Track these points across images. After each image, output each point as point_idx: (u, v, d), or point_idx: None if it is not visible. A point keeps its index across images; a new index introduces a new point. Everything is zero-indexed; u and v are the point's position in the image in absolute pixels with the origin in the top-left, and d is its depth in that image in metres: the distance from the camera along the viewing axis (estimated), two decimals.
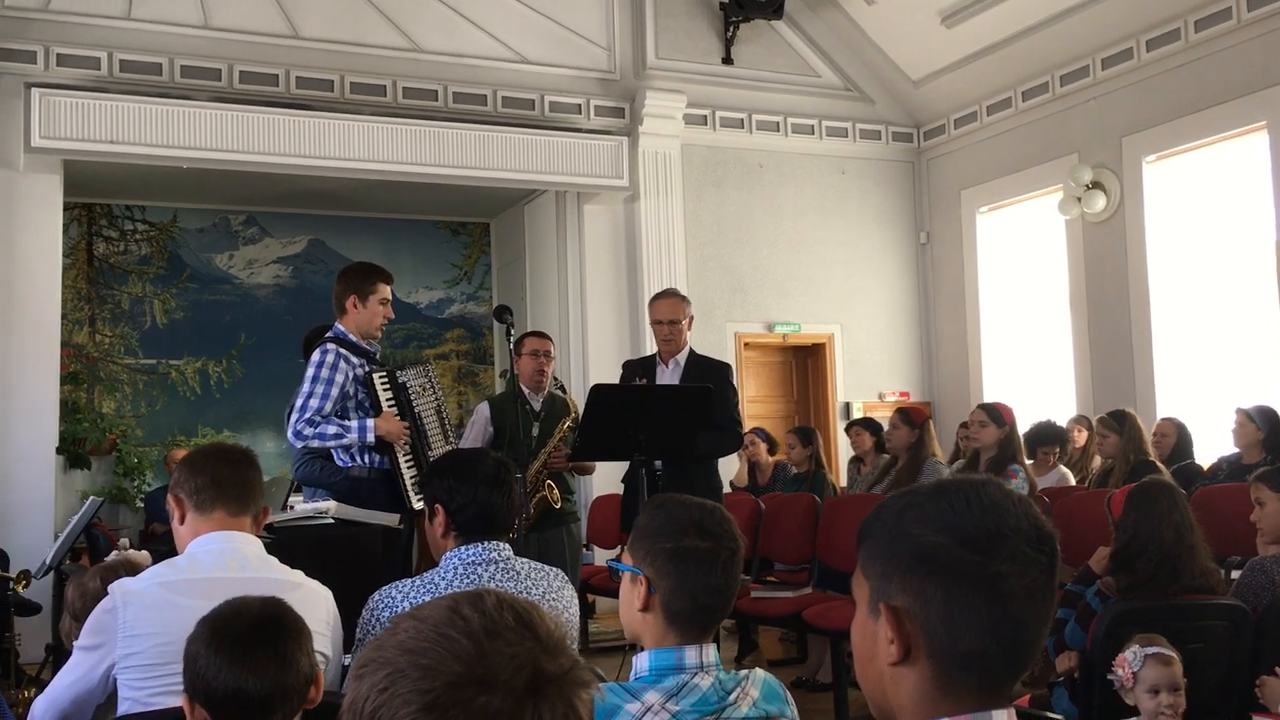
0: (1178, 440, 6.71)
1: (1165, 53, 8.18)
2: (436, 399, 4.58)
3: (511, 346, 5.29)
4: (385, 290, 4.47)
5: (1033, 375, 9.44)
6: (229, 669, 1.89)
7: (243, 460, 2.58)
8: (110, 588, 2.35)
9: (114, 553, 3.09)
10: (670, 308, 5.22)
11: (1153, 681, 2.97)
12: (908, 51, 9.89)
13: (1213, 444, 7.14)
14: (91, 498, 6.64)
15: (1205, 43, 7.92)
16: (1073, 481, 6.79)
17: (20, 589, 6.08)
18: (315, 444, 4.28)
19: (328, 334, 4.47)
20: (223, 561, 2.42)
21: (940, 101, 10.07)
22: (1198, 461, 6.71)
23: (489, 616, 0.98)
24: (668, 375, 5.20)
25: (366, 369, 4.39)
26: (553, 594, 2.72)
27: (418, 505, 4.27)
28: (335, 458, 4.38)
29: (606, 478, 7.34)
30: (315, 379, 4.28)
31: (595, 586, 7.30)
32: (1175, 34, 8.09)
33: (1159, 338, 8.30)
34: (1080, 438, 7.58)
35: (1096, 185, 8.62)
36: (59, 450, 8.07)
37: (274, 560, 2.53)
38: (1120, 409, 6.69)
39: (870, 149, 10.30)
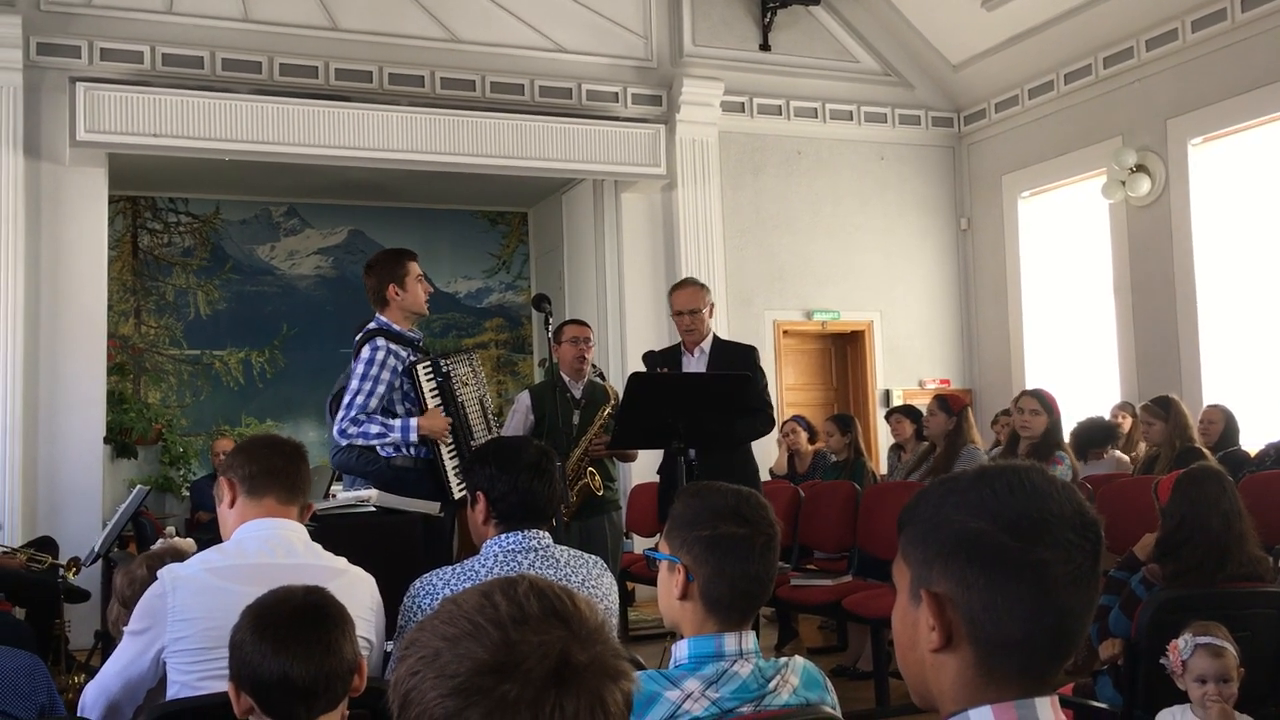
0: (1225, 427, 6.63)
1: (1211, 33, 8.05)
2: (479, 388, 4.58)
3: (550, 335, 5.31)
4: (416, 267, 4.49)
5: (1076, 362, 9.34)
6: (274, 655, 1.92)
7: (295, 453, 2.64)
8: (159, 573, 2.39)
9: (160, 541, 3.14)
10: (689, 297, 5.23)
11: (1200, 671, 2.94)
12: (947, 35, 9.80)
13: (1260, 430, 7.04)
14: (138, 486, 6.74)
15: (1252, 23, 7.77)
16: (1130, 465, 6.68)
17: (71, 576, 6.18)
18: (359, 442, 4.27)
19: (370, 326, 4.44)
20: (269, 548, 2.46)
21: (981, 85, 9.96)
22: (1244, 448, 6.62)
23: (518, 604, 0.99)
24: (694, 363, 5.20)
25: (412, 359, 4.40)
26: (592, 581, 2.73)
27: (459, 495, 4.29)
28: (379, 451, 4.38)
29: (647, 466, 7.35)
30: (364, 376, 4.27)
31: (635, 574, 7.31)
32: (1221, 14, 7.95)
33: (1205, 323, 8.17)
34: (1125, 424, 7.49)
35: (1141, 168, 8.50)
36: (106, 440, 8.20)
37: (319, 547, 2.56)
38: (1165, 395, 6.60)
39: (910, 134, 10.22)
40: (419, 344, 4.53)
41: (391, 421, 4.28)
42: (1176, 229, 8.33)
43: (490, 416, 4.63)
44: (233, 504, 2.57)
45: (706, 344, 5.23)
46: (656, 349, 5.63)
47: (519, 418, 5.40)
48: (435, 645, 0.98)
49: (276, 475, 2.56)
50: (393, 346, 4.34)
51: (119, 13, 7.98)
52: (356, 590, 2.46)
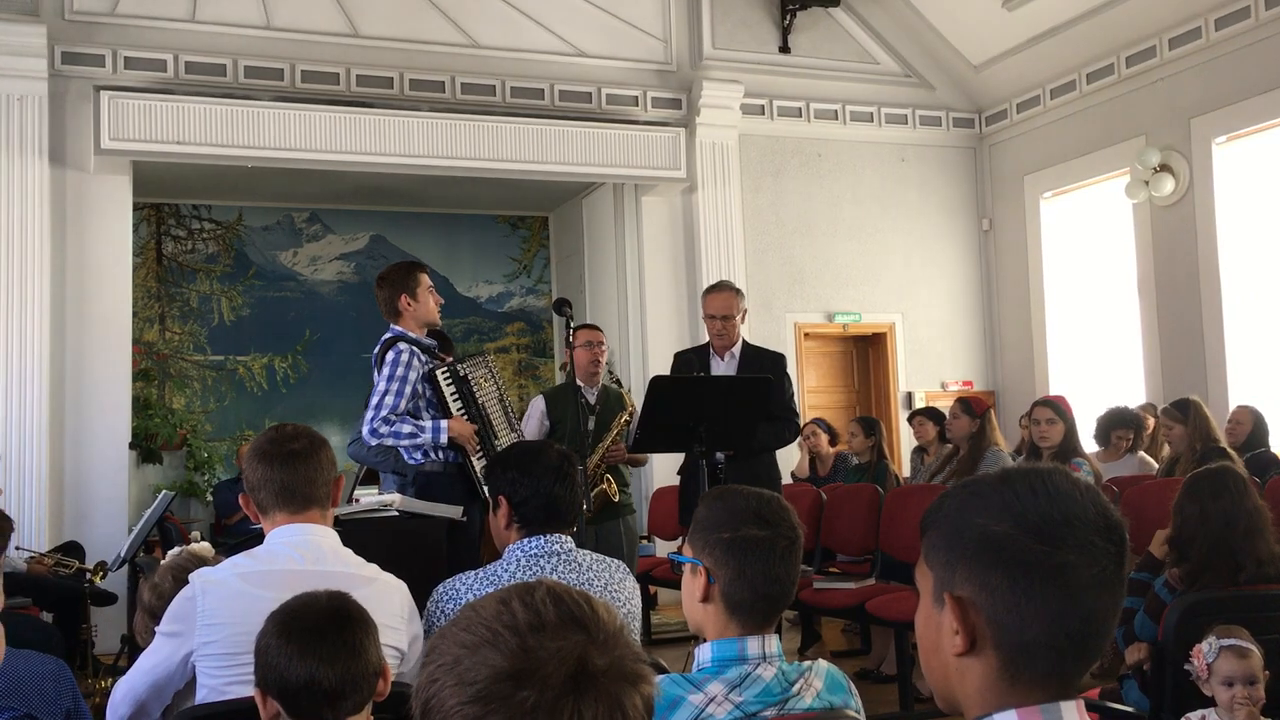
0: (1254, 428, 6.58)
1: (1235, 31, 7.99)
2: (498, 389, 4.64)
3: (572, 340, 5.33)
4: (427, 279, 4.58)
5: (1100, 363, 9.28)
6: (300, 659, 1.93)
7: (303, 452, 2.51)
8: (191, 576, 2.40)
9: (175, 549, 3.13)
10: (725, 302, 5.19)
11: (1227, 673, 2.92)
12: (968, 35, 9.76)
13: None
14: (164, 492, 6.80)
15: (1276, 20, 7.70)
16: (1155, 466, 6.63)
17: (97, 580, 6.24)
18: (389, 442, 4.33)
19: (387, 336, 4.49)
20: (298, 554, 2.45)
21: (1002, 86, 9.92)
22: (1274, 449, 6.56)
23: (534, 611, 1.00)
24: (723, 367, 5.19)
25: (430, 366, 4.45)
26: (614, 585, 2.73)
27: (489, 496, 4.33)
28: (405, 455, 4.43)
29: (668, 469, 7.35)
30: (391, 377, 4.33)
31: (657, 578, 7.31)
32: (1245, 12, 7.89)
33: (1230, 323, 8.11)
34: (1148, 425, 7.43)
35: (1164, 168, 8.44)
36: (132, 445, 8.26)
37: (349, 553, 2.54)
38: (1184, 398, 6.55)
39: (931, 135, 10.18)
40: (433, 349, 4.59)
41: (423, 423, 4.34)
42: (1201, 229, 8.27)
43: (512, 416, 4.67)
44: (257, 519, 2.58)
45: (736, 349, 5.23)
46: (685, 350, 5.62)
47: (534, 423, 5.42)
48: (454, 653, 0.99)
49: (282, 492, 2.48)
50: (415, 350, 4.42)
51: (142, 21, 8.05)
52: (387, 598, 2.46)
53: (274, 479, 2.49)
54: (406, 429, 4.31)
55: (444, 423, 4.34)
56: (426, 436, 4.32)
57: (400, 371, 4.33)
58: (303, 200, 10.66)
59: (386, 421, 4.29)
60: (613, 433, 5.24)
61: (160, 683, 2.38)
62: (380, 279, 4.61)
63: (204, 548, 3.29)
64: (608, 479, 5.19)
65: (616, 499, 5.21)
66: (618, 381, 5.55)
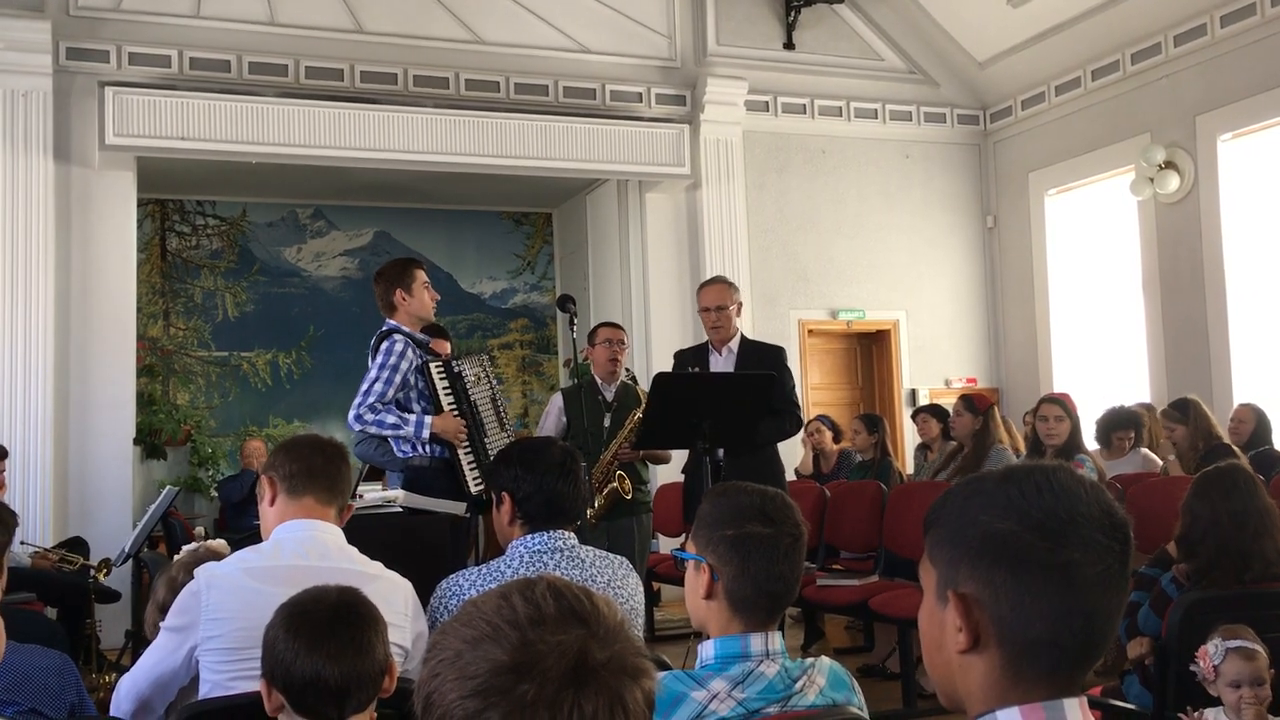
0: (1256, 426, 6.56)
1: (1240, 28, 7.97)
2: (492, 388, 4.66)
3: (575, 336, 5.34)
4: (423, 275, 4.61)
5: (1104, 361, 9.27)
6: (306, 654, 1.94)
7: (336, 453, 2.65)
8: (195, 571, 2.42)
9: (192, 544, 3.14)
10: (717, 294, 5.24)
11: (1234, 676, 2.92)
12: (973, 32, 9.74)
13: None
14: (168, 487, 6.81)
15: None
16: (1159, 464, 6.61)
17: (101, 577, 6.24)
18: (373, 429, 4.38)
19: (382, 329, 4.53)
20: (304, 550, 2.47)
21: (1007, 82, 9.90)
22: (1277, 447, 6.55)
23: (535, 605, 1.00)
24: (721, 363, 5.20)
25: (424, 359, 4.48)
26: (618, 582, 2.73)
27: (474, 490, 4.35)
28: (395, 448, 4.46)
29: (671, 466, 7.35)
30: (383, 365, 4.38)
31: (661, 574, 7.32)
32: (1250, 9, 7.87)
33: (1235, 321, 8.10)
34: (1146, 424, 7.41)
35: (1169, 165, 8.43)
36: (136, 441, 8.27)
37: (354, 551, 2.57)
38: (1183, 398, 6.54)
39: (935, 132, 10.17)
40: (427, 344, 4.62)
41: (407, 415, 4.37)
42: (1206, 226, 8.25)
43: (505, 416, 4.68)
44: (273, 502, 2.60)
45: (734, 343, 5.24)
46: (684, 348, 5.63)
47: (552, 419, 5.47)
48: (455, 647, 1.00)
49: (316, 475, 2.58)
50: (410, 342, 4.46)
51: (147, 17, 8.05)
52: (391, 595, 2.47)
53: (316, 466, 2.59)
54: (390, 419, 4.35)
55: (428, 418, 4.37)
56: (409, 429, 4.36)
57: (393, 361, 4.38)
58: (307, 196, 10.66)
59: (372, 409, 4.34)
60: (626, 429, 5.25)
61: (164, 678, 2.38)
62: (377, 275, 4.65)
63: (220, 544, 3.30)
64: (621, 476, 5.19)
65: (629, 496, 5.21)
66: (634, 379, 5.57)
